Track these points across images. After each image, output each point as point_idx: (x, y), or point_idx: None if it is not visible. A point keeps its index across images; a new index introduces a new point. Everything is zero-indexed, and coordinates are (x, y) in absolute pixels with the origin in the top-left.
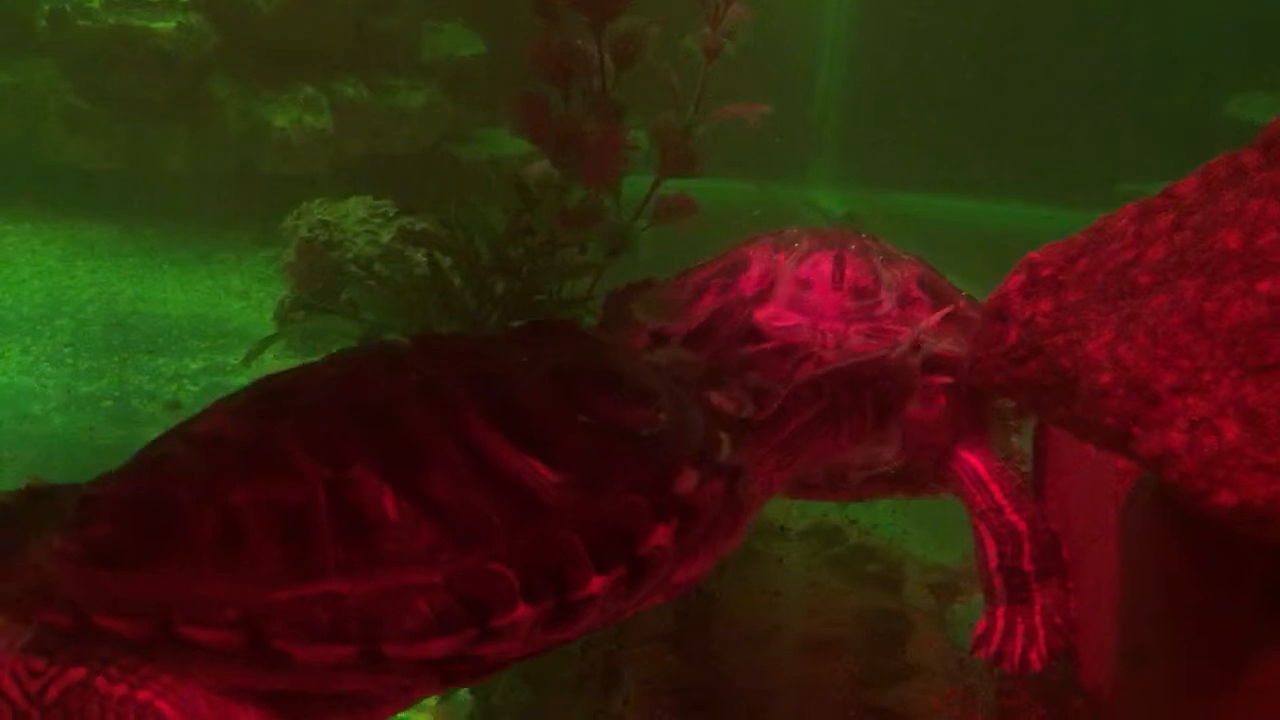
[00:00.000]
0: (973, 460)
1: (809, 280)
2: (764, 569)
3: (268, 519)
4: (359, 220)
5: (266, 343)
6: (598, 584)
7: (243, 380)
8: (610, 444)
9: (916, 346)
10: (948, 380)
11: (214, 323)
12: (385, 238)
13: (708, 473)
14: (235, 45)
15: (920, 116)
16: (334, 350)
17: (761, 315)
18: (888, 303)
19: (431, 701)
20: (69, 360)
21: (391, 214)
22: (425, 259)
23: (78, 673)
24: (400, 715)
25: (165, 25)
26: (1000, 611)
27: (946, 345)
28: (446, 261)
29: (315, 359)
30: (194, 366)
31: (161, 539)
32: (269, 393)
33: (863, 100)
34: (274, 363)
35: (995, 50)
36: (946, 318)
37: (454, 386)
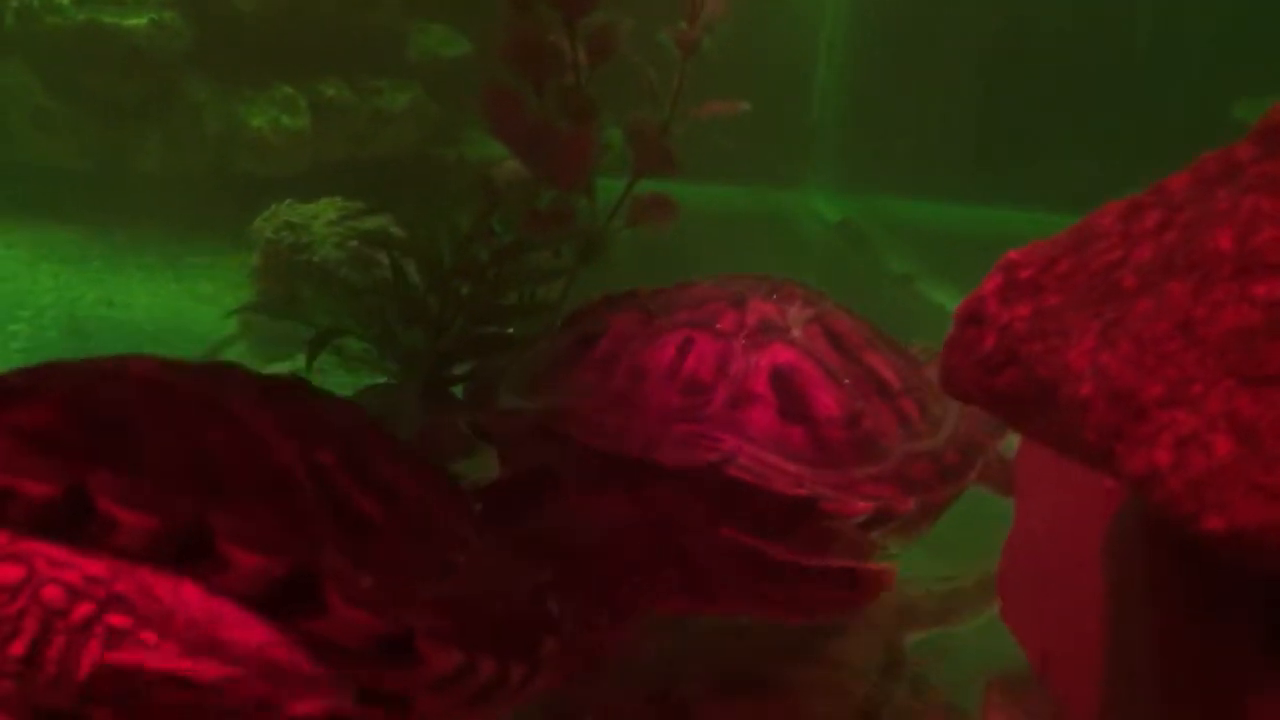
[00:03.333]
0: None
1: (644, 370)
2: None
3: (249, 471)
4: (328, 223)
5: (220, 346)
6: (519, 672)
7: None
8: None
9: None
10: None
11: (178, 330)
12: (354, 241)
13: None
14: (211, 43)
15: (922, 120)
16: (296, 356)
17: (591, 408)
18: (718, 402)
19: None
20: None
21: (363, 216)
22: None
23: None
24: None
25: (137, 22)
26: None
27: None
28: (410, 264)
29: (278, 366)
30: None
31: (133, 446)
32: (183, 369)
33: (863, 103)
34: None
35: (999, 53)
36: (788, 410)
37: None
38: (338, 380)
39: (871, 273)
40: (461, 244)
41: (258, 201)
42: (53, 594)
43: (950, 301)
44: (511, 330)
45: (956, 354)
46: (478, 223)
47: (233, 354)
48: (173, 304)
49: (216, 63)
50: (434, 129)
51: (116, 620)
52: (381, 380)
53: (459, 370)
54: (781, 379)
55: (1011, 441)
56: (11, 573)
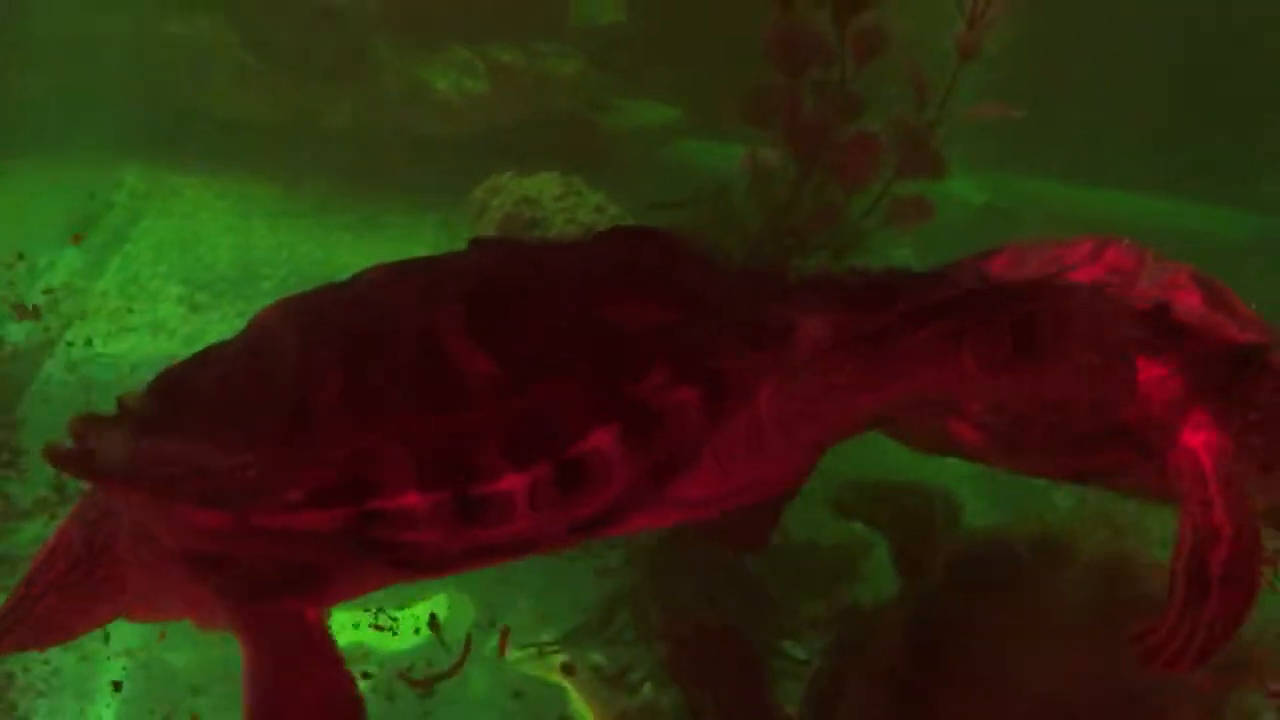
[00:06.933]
0: (1197, 448)
1: (1061, 258)
2: None
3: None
4: (554, 197)
5: None
6: (514, 481)
7: None
8: (582, 347)
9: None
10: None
11: None
12: (582, 215)
13: (681, 378)
14: (392, 5)
15: (1093, 102)
16: None
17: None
18: (1142, 280)
19: None
20: None
21: (583, 191)
22: None
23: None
24: None
25: None
26: (1174, 612)
27: (1194, 312)
28: None
29: None
30: None
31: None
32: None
33: (1009, 78)
34: None
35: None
36: (1215, 303)
37: (456, 286)
38: None
39: None
40: (754, 244)
41: (434, 162)
42: None
43: None
44: None
45: None
46: (773, 222)
47: None
48: None
49: (397, 25)
50: (594, 94)
51: None
52: None
53: None
54: (1201, 279)
55: None
56: None
